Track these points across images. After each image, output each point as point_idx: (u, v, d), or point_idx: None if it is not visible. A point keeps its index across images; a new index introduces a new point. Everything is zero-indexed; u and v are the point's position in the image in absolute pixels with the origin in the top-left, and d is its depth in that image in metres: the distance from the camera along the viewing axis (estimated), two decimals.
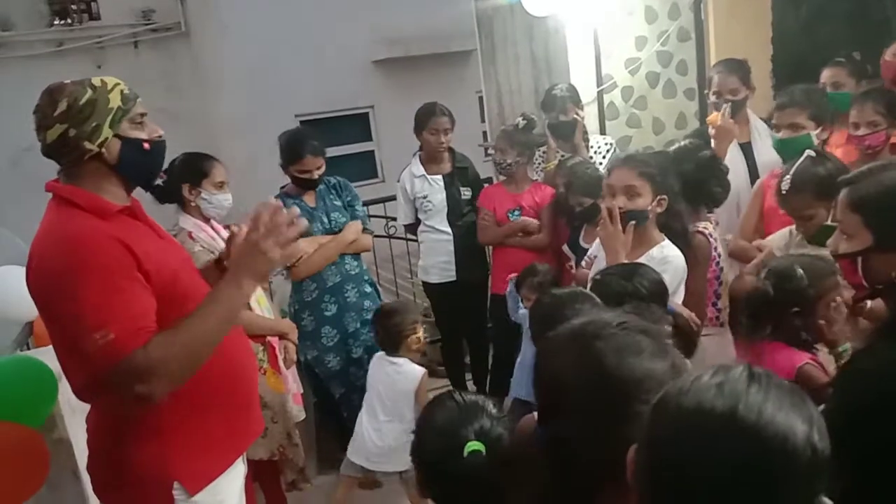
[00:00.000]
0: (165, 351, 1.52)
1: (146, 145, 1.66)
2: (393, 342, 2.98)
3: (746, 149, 3.24)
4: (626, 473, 0.89)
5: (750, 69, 3.24)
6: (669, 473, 0.78)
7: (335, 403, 3.44)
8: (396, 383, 2.92)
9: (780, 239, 2.46)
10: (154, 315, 1.56)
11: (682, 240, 2.42)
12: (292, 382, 2.91)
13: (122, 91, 1.63)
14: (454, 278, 3.78)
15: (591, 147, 3.65)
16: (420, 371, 2.94)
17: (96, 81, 1.62)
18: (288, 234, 1.62)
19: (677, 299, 2.27)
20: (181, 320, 1.57)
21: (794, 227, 2.43)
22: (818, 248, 2.29)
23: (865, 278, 1.67)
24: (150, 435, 1.64)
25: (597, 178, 3.06)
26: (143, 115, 1.67)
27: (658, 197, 2.35)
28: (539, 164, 3.79)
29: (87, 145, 1.58)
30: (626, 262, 2.17)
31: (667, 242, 2.39)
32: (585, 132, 3.63)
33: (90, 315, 1.47)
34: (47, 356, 2.14)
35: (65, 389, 2.16)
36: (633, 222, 2.28)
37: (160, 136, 1.71)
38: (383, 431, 2.90)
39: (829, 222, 2.22)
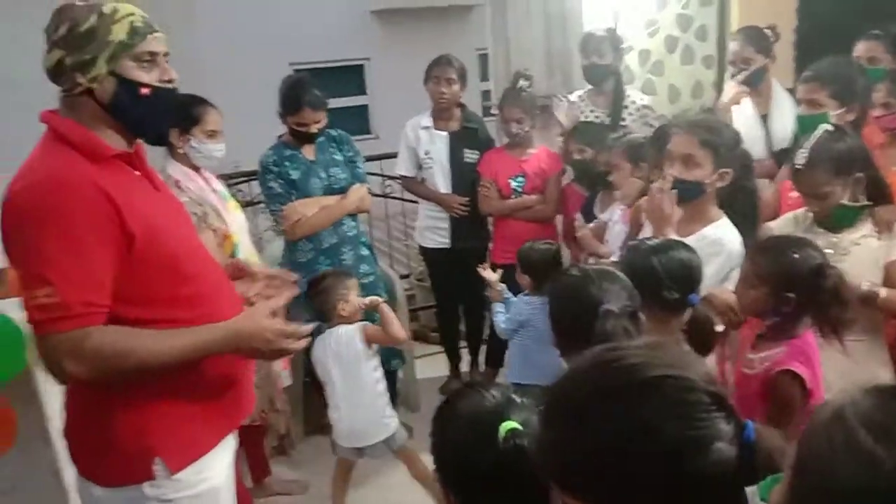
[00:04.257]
0: (110, 348, 1.40)
1: (144, 90, 1.47)
2: (325, 314, 2.70)
3: (765, 120, 3.16)
4: None
5: (773, 38, 3.14)
6: None
7: None
8: (342, 350, 2.65)
9: (785, 226, 2.29)
10: (109, 293, 1.41)
11: (749, 222, 2.22)
12: None
13: (132, 23, 1.45)
14: (448, 245, 3.62)
15: (627, 100, 3.44)
16: (356, 324, 2.67)
17: (107, 8, 1.44)
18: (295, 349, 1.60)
19: (729, 286, 2.04)
20: (156, 332, 1.46)
21: (798, 212, 2.29)
22: (828, 234, 2.14)
23: None
24: (132, 405, 1.51)
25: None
26: (153, 53, 1.48)
27: (720, 170, 2.14)
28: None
29: (79, 78, 1.42)
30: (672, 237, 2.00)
31: (724, 222, 2.18)
32: (622, 84, 3.46)
33: (42, 268, 1.35)
34: (16, 309, 1.97)
35: None
36: (674, 191, 2.10)
37: (170, 81, 1.52)
38: (351, 408, 2.68)
39: (844, 202, 2.11)
